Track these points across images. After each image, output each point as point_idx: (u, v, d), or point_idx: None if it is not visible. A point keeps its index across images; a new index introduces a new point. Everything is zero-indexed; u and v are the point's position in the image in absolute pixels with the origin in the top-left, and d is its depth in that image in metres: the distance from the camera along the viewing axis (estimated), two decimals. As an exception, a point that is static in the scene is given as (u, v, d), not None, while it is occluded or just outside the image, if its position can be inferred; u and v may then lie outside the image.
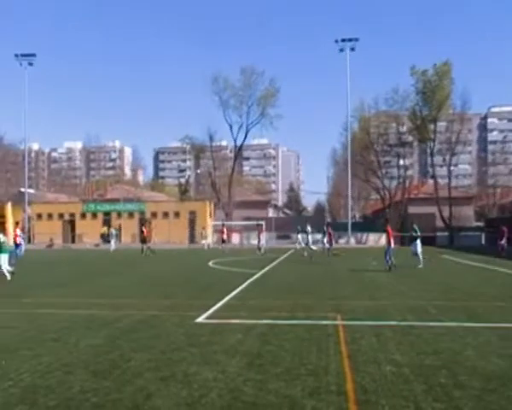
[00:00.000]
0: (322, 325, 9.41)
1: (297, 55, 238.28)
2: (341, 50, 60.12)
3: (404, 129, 65.04)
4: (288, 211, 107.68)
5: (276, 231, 61.85)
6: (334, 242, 22.67)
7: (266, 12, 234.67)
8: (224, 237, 47.76)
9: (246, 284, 16.23)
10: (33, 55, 61.84)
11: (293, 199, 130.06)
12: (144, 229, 39.09)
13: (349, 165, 61.10)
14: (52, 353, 7.34)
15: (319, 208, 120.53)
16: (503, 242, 31.20)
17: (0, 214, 63.48)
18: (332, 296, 13.38)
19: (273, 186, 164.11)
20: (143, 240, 37.47)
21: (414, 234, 23.44)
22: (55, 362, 6.84)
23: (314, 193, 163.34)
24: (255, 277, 18.60)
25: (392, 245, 22.31)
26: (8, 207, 63.59)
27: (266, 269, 22.03)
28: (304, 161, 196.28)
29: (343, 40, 59.88)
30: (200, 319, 9.92)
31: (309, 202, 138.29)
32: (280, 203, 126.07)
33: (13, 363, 6.80)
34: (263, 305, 11.81)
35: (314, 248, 31.92)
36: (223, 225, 51.61)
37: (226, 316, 10.23)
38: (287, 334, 8.54)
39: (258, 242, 40.18)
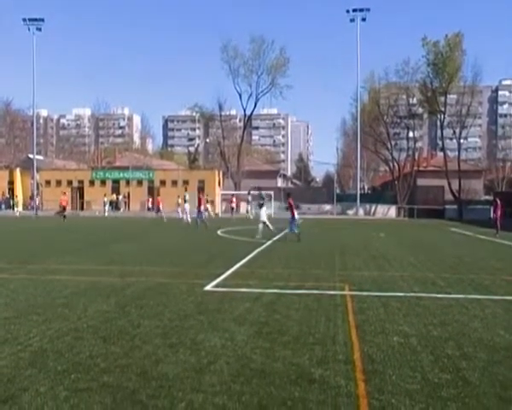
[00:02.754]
0: (331, 295, 9.43)
1: (307, 25, 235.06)
2: (352, 20, 59.23)
3: (415, 101, 64.24)
4: (297, 181, 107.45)
5: (284, 202, 61.80)
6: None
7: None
8: (233, 205, 47.91)
9: (254, 253, 16.27)
10: (42, 19, 61.30)
11: (303, 169, 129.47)
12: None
13: (358, 136, 60.69)
14: (61, 318, 7.40)
15: (328, 179, 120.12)
16: (494, 215, 30.41)
17: (9, 180, 63.90)
18: (340, 267, 13.39)
19: (282, 156, 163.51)
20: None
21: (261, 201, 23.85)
22: (64, 327, 6.89)
23: (323, 164, 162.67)
24: (264, 246, 18.62)
25: (296, 216, 22.81)
26: (17, 172, 63.92)
27: (275, 239, 22.04)
28: (313, 131, 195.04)
29: (354, 10, 58.94)
30: (208, 287, 9.96)
31: (318, 173, 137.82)
32: (289, 173, 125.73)
33: (22, 328, 6.86)
34: (271, 274, 11.84)
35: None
36: (232, 194, 51.76)
37: (234, 284, 10.27)
38: (295, 303, 8.56)
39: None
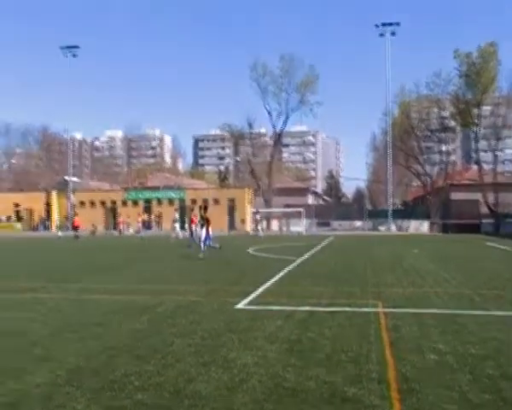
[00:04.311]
0: (363, 312, 9.31)
1: (336, 41, 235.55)
2: (381, 35, 59.10)
3: (447, 114, 63.53)
4: (327, 198, 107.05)
5: (315, 218, 61.57)
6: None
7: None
8: (259, 223, 48.38)
9: (285, 270, 16.21)
10: (77, 46, 63.08)
11: (333, 186, 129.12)
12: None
13: (389, 151, 60.22)
14: (96, 337, 7.49)
15: (359, 195, 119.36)
16: None
17: (46, 202, 65.33)
18: (373, 283, 13.23)
19: (312, 173, 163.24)
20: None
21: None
22: (99, 346, 6.97)
23: (353, 180, 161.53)
24: (295, 263, 18.55)
25: (210, 233, 22.67)
26: (54, 195, 65.31)
27: (306, 256, 21.95)
28: (343, 147, 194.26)
29: (384, 24, 58.82)
30: (239, 305, 9.95)
31: (348, 189, 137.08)
32: (319, 190, 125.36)
33: (59, 346, 6.97)
34: (302, 291, 11.77)
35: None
36: (256, 212, 51.96)
37: (266, 302, 10.24)
38: (327, 321, 8.49)
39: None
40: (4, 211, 66.45)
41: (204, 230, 22.43)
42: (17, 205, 65.94)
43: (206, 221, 22.60)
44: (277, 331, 7.73)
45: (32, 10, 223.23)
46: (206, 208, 23.61)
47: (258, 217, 49.94)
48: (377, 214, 63.23)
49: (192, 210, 55.12)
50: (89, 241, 40.45)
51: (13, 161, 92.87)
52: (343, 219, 60.38)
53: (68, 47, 62.70)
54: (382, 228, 57.53)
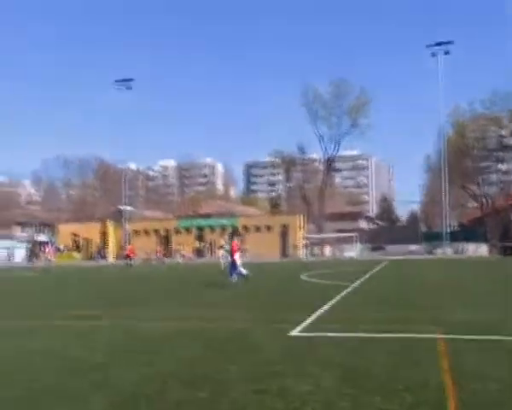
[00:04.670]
0: (420, 338, 9.04)
1: (386, 61, 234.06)
2: (434, 55, 58.28)
3: (506, 132, 61.73)
4: (380, 222, 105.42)
5: (369, 243, 60.71)
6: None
7: (352, 20, 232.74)
8: (305, 249, 48.62)
9: (339, 296, 15.99)
10: (131, 79, 65.23)
11: (386, 209, 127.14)
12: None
13: (444, 171, 58.93)
14: (149, 364, 7.55)
15: (413, 218, 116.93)
16: None
17: (102, 231, 67.16)
18: (430, 309, 12.86)
19: (365, 197, 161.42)
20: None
21: None
22: (153, 373, 7.02)
23: (407, 202, 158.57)
24: (348, 289, 18.28)
25: (237, 259, 21.89)
26: (110, 224, 67.08)
27: (360, 281, 21.61)
28: (397, 170, 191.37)
29: (436, 44, 57.96)
30: (293, 332, 9.85)
31: (402, 212, 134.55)
32: (372, 214, 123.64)
33: (114, 373, 7.06)
34: (356, 317, 11.56)
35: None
36: (303, 237, 52.09)
37: (319, 329, 10.10)
38: (381, 348, 8.28)
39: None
40: (64, 241, 68.69)
41: (230, 257, 22.18)
42: (75, 235, 68.03)
43: (231, 248, 22.47)
44: (331, 358, 7.60)
45: (87, 43, 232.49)
46: (233, 235, 23.60)
47: (304, 242, 49.92)
48: (432, 237, 61.80)
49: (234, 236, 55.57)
50: (142, 269, 41.18)
51: (71, 193, 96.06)
52: (397, 242, 59.29)
53: (123, 80, 64.84)
54: (438, 251, 56.09)
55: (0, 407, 5.75)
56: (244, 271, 22.66)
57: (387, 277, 20.97)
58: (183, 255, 52.78)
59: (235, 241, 23.13)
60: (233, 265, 22.13)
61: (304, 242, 50.36)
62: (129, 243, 51.61)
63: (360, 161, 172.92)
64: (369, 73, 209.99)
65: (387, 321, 10.99)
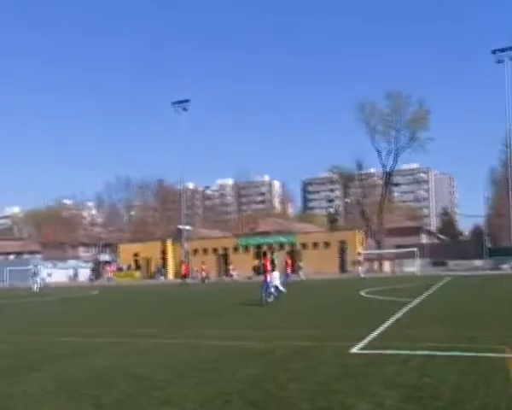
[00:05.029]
0: (488, 357, 8.72)
1: (446, 70, 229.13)
2: (499, 61, 56.25)
3: None
4: (442, 236, 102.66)
5: (430, 258, 59.17)
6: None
7: (410, 30, 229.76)
8: (361, 265, 48.16)
9: (400, 313, 15.64)
10: (187, 100, 66.52)
11: (448, 223, 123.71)
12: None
13: (510, 184, 56.75)
14: (210, 382, 7.62)
15: (477, 232, 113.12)
16: None
17: (162, 250, 68.46)
18: (498, 326, 12.39)
19: (425, 211, 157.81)
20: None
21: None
22: (214, 391, 7.08)
23: (470, 216, 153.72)
24: (410, 305, 17.85)
25: (269, 279, 21.37)
26: (169, 244, 68.34)
27: (421, 298, 21.09)
28: (458, 183, 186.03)
29: (502, 50, 56.01)
30: (354, 350, 9.72)
31: (465, 226, 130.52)
32: (433, 228, 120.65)
33: (177, 390, 7.17)
34: (419, 335, 11.27)
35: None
36: (359, 253, 51.40)
37: (381, 346, 9.91)
38: (447, 366, 8.04)
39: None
40: (125, 260, 70.45)
41: (268, 275, 21.79)
42: (136, 254, 69.66)
43: (263, 267, 22.22)
44: (394, 377, 7.45)
45: (145, 68, 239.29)
46: (265, 254, 23.32)
47: (360, 258, 49.29)
48: (499, 252, 59.40)
49: (288, 253, 55.34)
50: (200, 287, 41.63)
51: (132, 213, 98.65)
52: (460, 258, 57.45)
53: (179, 102, 66.25)
54: (505, 266, 53.93)
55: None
56: (281, 288, 22.60)
57: (450, 293, 20.32)
58: (231, 275, 53.22)
59: (268, 260, 22.83)
60: (265, 283, 21.72)
61: (363, 257, 49.72)
62: (185, 263, 52.28)
63: (420, 175, 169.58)
64: (428, 84, 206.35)
65: (452, 339, 10.67)
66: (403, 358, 8.77)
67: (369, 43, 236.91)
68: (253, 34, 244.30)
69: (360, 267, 48.06)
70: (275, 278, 22.27)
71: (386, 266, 60.91)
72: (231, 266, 55.53)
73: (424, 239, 78.89)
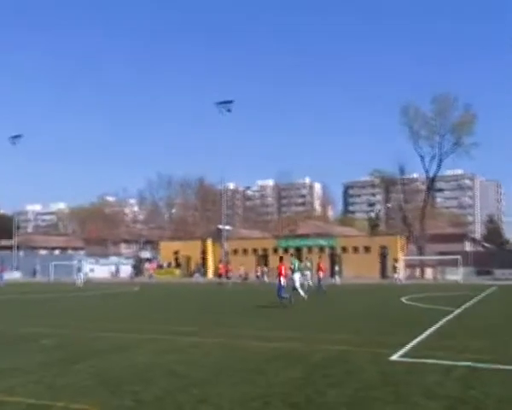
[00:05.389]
0: (534, 370, 8.45)
1: (491, 73, 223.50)
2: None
3: None
4: (487, 244, 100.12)
5: (474, 266, 57.80)
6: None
7: (455, 33, 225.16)
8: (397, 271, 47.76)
9: (442, 321, 15.32)
10: (231, 101, 66.93)
11: (494, 231, 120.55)
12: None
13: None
14: (249, 382, 7.63)
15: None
16: None
17: (202, 249, 69.07)
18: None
19: (470, 218, 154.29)
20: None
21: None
22: (253, 392, 7.08)
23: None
24: (452, 314, 17.46)
25: (282, 282, 21.56)
26: (209, 243, 68.86)
27: (465, 307, 20.62)
28: (506, 190, 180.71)
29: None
30: (394, 357, 9.57)
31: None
32: (478, 236, 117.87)
33: (214, 389, 7.21)
34: (462, 345, 11.00)
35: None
36: (395, 259, 50.70)
37: (422, 355, 9.72)
38: (492, 378, 7.82)
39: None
40: (166, 258, 71.36)
41: (282, 279, 21.77)
42: (176, 252, 70.45)
43: (278, 271, 22.19)
44: (436, 387, 7.29)
45: (191, 65, 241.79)
46: (281, 259, 23.21)
47: (396, 264, 48.51)
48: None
49: (318, 258, 54.98)
50: (238, 287, 41.74)
51: (173, 211, 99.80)
52: (507, 267, 55.84)
53: (223, 102, 66.70)
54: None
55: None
56: (301, 292, 22.50)
57: (496, 303, 19.76)
58: (258, 276, 53.37)
59: (284, 264, 22.76)
60: (280, 286, 21.68)
61: (404, 263, 48.97)
62: (223, 262, 52.50)
63: (464, 181, 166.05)
64: (473, 88, 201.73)
65: (495, 350, 10.38)
66: (445, 368, 8.59)
67: (418, 45, 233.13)
68: (292, 34, 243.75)
69: (396, 274, 47.28)
70: (295, 280, 22.48)
71: (428, 273, 59.81)
72: (260, 268, 55.56)
73: (468, 247, 77.15)
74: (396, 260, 50.79)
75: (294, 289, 22.50)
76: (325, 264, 36.64)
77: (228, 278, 45.26)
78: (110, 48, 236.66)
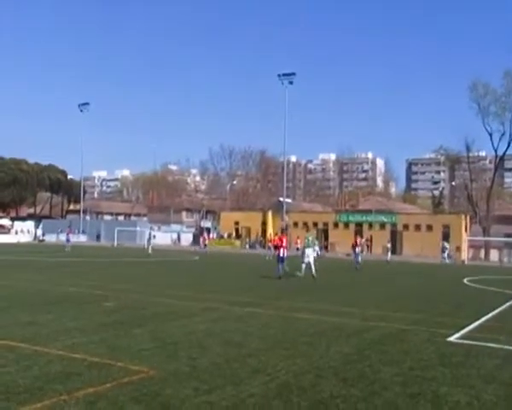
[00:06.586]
0: None
1: None
2: None
3: None
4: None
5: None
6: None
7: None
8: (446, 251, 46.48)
9: (505, 305, 14.88)
10: (293, 74, 66.15)
11: None
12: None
13: None
14: (304, 355, 7.72)
15: None
16: None
17: (262, 221, 69.43)
18: None
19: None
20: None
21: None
22: (307, 365, 7.16)
23: None
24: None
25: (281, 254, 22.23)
26: (269, 215, 69.12)
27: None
28: None
29: None
30: (452, 338, 9.42)
31: None
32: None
33: (270, 360, 7.33)
34: (525, 331, 10.68)
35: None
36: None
37: (482, 338, 9.51)
38: (554, 366, 7.58)
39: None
40: (226, 228, 72.24)
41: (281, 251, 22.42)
42: (237, 223, 71.14)
43: (274, 243, 22.58)
44: (495, 371, 7.14)
45: (250, 40, 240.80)
46: (282, 231, 23.76)
47: (446, 244, 47.04)
48: None
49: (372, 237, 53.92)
50: (295, 261, 41.72)
51: (234, 183, 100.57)
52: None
53: (285, 74, 66.06)
54: None
55: (164, 377, 6.26)
56: (313, 268, 22.20)
57: None
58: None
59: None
60: (279, 258, 22.42)
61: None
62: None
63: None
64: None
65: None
66: (505, 353, 8.39)
67: (485, 21, 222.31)
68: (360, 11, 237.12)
69: (444, 253, 45.91)
70: (308, 255, 22.71)
71: (494, 255, 57.94)
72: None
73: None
74: (447, 239, 49.29)
75: (304, 263, 22.77)
76: (360, 239, 35.69)
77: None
78: (184, 25, 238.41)
